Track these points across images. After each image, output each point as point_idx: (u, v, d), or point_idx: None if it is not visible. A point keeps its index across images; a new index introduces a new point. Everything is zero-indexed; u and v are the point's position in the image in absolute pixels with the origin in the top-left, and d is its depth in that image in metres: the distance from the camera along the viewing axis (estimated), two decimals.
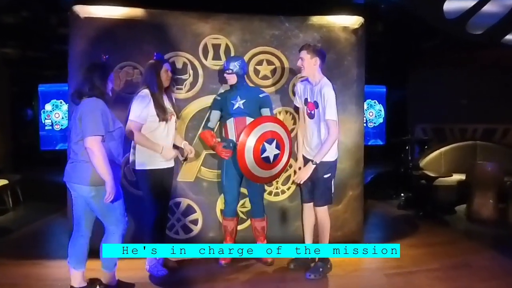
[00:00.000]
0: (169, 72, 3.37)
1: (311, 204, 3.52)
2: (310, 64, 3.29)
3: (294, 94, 3.71)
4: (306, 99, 3.44)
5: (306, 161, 3.44)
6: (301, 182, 3.36)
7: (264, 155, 3.45)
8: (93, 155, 2.67)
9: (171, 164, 3.43)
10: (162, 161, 3.31)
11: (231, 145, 3.54)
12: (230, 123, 3.57)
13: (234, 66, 3.52)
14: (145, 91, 3.25)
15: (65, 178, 2.86)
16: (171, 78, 3.43)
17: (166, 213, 3.57)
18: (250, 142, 3.40)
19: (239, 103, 3.55)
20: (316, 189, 3.41)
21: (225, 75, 3.56)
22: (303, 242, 3.60)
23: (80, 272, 2.96)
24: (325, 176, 3.37)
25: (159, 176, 3.33)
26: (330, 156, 3.35)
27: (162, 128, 3.28)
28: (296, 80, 3.84)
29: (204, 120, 3.74)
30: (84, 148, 2.71)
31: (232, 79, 3.56)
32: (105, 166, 2.67)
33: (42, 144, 9.39)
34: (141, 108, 3.20)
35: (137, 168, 3.30)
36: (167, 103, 3.33)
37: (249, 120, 3.52)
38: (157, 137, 3.27)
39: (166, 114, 3.26)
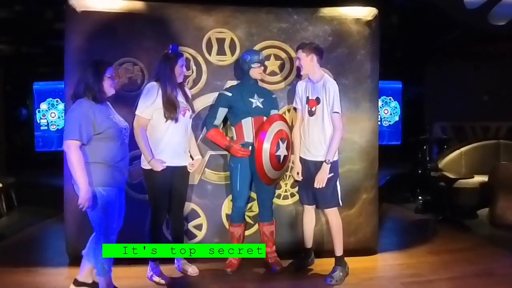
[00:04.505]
0: (184, 68, 3.36)
1: (313, 207, 3.64)
2: (307, 62, 3.44)
3: None
4: (307, 97, 3.51)
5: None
6: (323, 185, 3.40)
7: (277, 153, 3.49)
8: (68, 159, 2.74)
9: (183, 162, 3.39)
10: (171, 159, 3.28)
11: (249, 147, 3.53)
12: (248, 122, 3.54)
13: (263, 59, 3.58)
14: (153, 84, 3.24)
15: None
16: (185, 74, 3.43)
17: (178, 220, 3.54)
18: (267, 140, 3.44)
19: (257, 102, 3.55)
20: (322, 190, 3.45)
21: (254, 69, 3.53)
22: (304, 245, 3.71)
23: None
24: (328, 175, 3.44)
25: (168, 175, 3.29)
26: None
27: (172, 127, 3.24)
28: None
29: (206, 118, 3.67)
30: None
31: (261, 73, 3.59)
32: (78, 171, 2.71)
33: (37, 145, 9.48)
34: (147, 104, 3.19)
35: (143, 166, 3.30)
36: (180, 98, 3.31)
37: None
38: (162, 136, 3.24)
39: (175, 112, 3.21)
